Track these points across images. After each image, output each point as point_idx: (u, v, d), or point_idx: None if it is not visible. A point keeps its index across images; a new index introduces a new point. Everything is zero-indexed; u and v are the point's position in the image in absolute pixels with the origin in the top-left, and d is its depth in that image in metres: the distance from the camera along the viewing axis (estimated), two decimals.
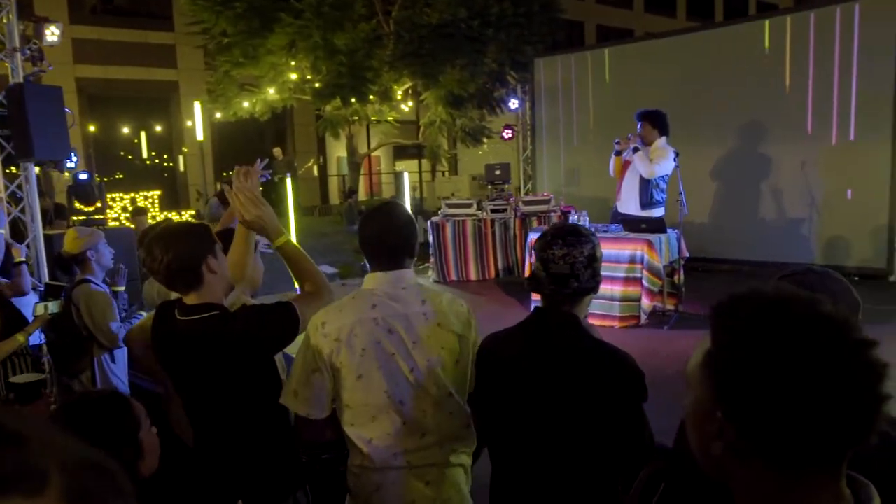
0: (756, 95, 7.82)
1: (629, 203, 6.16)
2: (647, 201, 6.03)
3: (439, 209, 8.82)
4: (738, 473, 0.83)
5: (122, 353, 3.67)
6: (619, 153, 6.22)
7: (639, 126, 6.06)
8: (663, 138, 5.97)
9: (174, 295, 1.98)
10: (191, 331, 1.84)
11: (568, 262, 1.70)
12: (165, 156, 19.16)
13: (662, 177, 5.99)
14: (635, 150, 5.95)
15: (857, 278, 6.63)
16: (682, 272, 6.03)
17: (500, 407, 1.76)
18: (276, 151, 14.33)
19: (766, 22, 7.75)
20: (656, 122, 5.95)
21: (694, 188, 7.97)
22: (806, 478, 0.78)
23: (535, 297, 6.36)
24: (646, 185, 6.01)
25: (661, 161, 5.89)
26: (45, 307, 3.27)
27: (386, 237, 1.81)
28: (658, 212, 6.04)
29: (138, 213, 7.92)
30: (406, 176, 9.56)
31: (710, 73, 8.12)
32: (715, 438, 0.82)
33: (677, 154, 5.95)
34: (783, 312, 0.79)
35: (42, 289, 4.64)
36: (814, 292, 0.85)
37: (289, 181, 7.61)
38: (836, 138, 7.33)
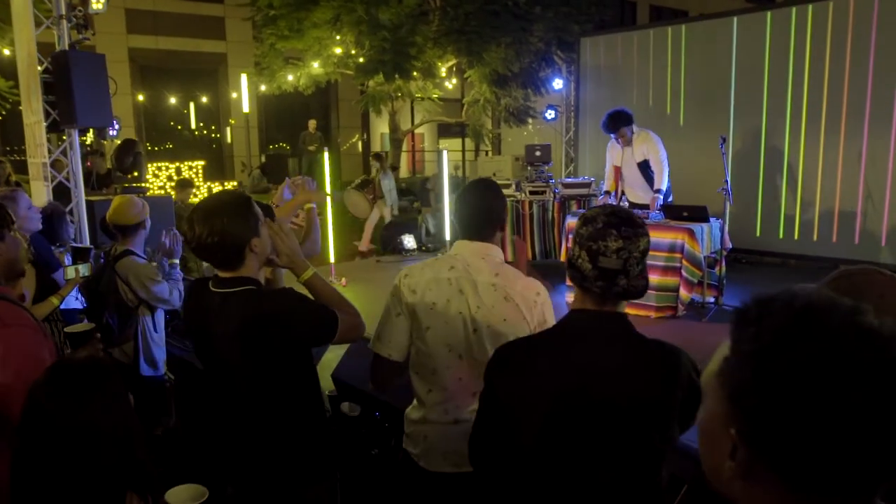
0: (813, 79, 7.45)
1: (637, 191, 6.19)
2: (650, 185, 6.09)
3: None
4: (750, 497, 0.74)
5: (162, 321, 3.73)
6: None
7: (613, 136, 6.09)
8: (634, 126, 5.99)
9: None
10: (224, 303, 1.83)
11: (622, 257, 1.45)
12: (213, 127, 19.47)
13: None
14: (660, 197, 5.93)
15: None
16: (723, 263, 5.83)
17: (540, 427, 1.49)
18: (311, 124, 14.46)
19: (830, 4, 7.35)
20: (620, 123, 5.93)
21: (744, 175, 7.71)
22: None
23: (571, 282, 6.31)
24: (646, 171, 6.04)
25: (658, 157, 5.93)
26: (76, 270, 3.33)
27: (474, 210, 2.00)
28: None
29: (184, 185, 7.86)
30: (445, 154, 9.45)
31: (765, 55, 7.77)
32: (727, 457, 0.73)
33: (724, 140, 5.74)
34: (816, 322, 0.69)
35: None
36: (861, 296, 0.74)
37: (326, 155, 7.59)
38: None
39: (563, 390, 1.46)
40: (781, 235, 7.74)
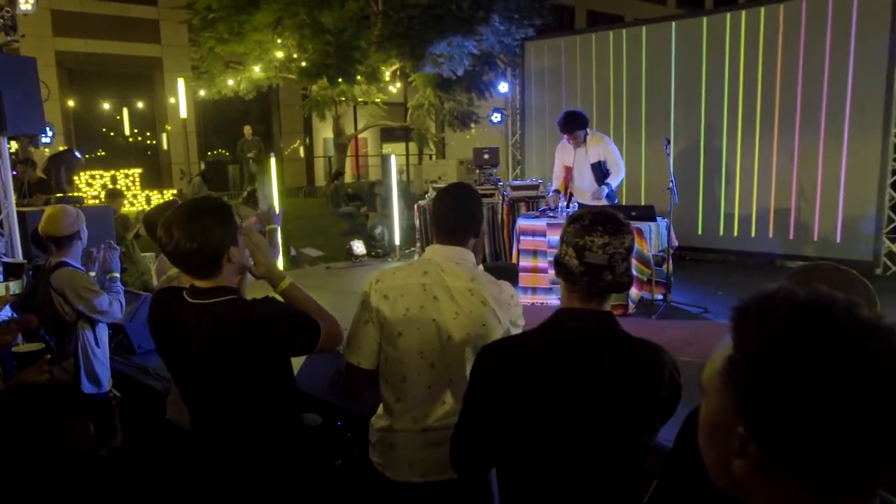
0: (748, 81, 7.75)
1: (586, 192, 6.23)
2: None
3: (426, 192, 8.72)
4: (759, 492, 0.75)
5: (105, 336, 3.56)
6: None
7: (566, 137, 6.13)
8: (589, 130, 6.11)
9: None
10: (205, 314, 1.77)
11: (607, 253, 1.49)
12: (148, 133, 18.84)
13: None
14: (606, 189, 6.06)
15: None
16: (670, 261, 5.98)
17: (530, 426, 1.49)
18: (247, 130, 14.20)
19: (762, 10, 7.67)
20: (576, 125, 6.02)
21: (685, 175, 7.93)
22: (838, 498, 0.71)
23: (525, 283, 6.31)
24: (598, 172, 6.12)
25: (616, 160, 6.08)
26: (7, 287, 3.14)
27: (450, 214, 1.99)
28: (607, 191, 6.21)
29: (114, 195, 7.51)
30: (393, 159, 9.40)
31: (702, 59, 8.04)
32: (736, 455, 0.74)
33: (668, 141, 5.90)
34: (820, 318, 0.70)
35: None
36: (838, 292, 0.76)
37: (273, 161, 7.45)
38: (826, 129, 7.29)
39: (551, 389, 1.45)
40: (722, 233, 8.01)
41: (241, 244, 1.86)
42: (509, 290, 1.96)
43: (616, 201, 6.35)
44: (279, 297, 1.95)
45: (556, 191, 6.45)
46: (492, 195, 7.93)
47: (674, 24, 8.36)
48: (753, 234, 7.82)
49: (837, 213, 7.27)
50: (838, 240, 7.27)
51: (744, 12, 7.79)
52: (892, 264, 7.18)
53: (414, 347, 1.90)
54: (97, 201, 10.61)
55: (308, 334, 1.83)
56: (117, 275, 3.54)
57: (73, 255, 3.43)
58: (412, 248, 8.78)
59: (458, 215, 1.99)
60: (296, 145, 20.55)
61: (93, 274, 3.54)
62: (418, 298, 1.90)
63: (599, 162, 6.08)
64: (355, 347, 1.98)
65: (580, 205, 6.31)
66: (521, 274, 6.24)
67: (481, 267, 2.08)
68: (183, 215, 1.77)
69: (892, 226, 7.16)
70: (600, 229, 1.50)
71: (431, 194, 8.40)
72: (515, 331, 1.92)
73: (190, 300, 1.81)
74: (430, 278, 1.91)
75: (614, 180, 6.10)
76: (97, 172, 12.94)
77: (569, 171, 6.36)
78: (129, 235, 6.26)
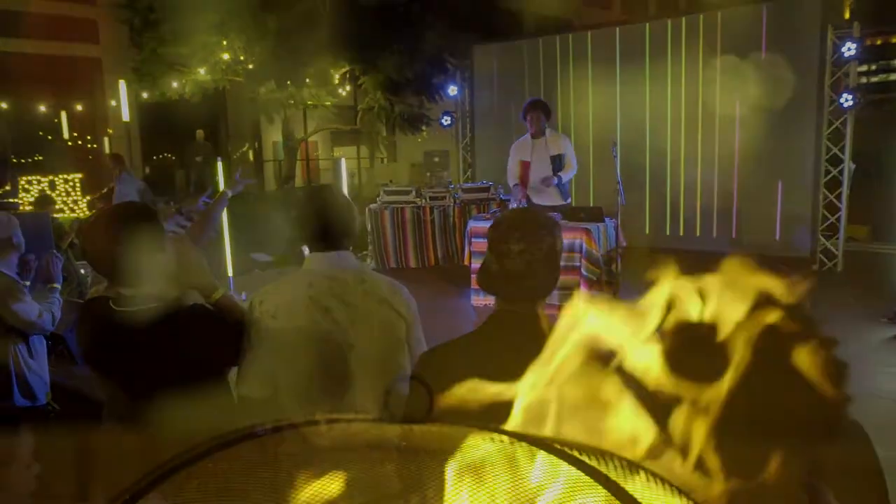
0: (689, 84, 7.98)
1: (544, 195, 6.26)
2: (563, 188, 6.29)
3: (377, 196, 8.68)
4: None
5: (41, 347, 3.42)
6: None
7: (528, 119, 6.20)
8: (547, 127, 6.30)
9: None
10: (132, 322, 1.71)
11: (525, 259, 1.44)
12: (89, 137, 18.17)
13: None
14: (558, 180, 6.15)
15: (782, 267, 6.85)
16: (619, 261, 6.10)
17: None
18: (199, 134, 13.88)
19: (700, 17, 7.91)
20: (542, 109, 6.22)
21: (632, 176, 8.10)
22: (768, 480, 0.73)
23: (477, 285, 6.34)
24: (558, 164, 6.22)
25: (573, 157, 6.25)
26: None
27: (325, 219, 1.86)
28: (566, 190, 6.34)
29: (44, 202, 7.15)
30: (343, 162, 9.32)
31: (645, 62, 8.24)
32: None
33: (615, 144, 6.02)
34: None
35: None
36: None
37: (220, 165, 7.29)
38: (764, 131, 7.55)
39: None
40: (668, 232, 8.22)
41: (170, 250, 1.81)
42: (397, 284, 1.93)
43: (569, 200, 6.41)
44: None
45: (516, 184, 6.40)
46: (443, 198, 7.95)
47: (618, 29, 8.55)
48: (698, 233, 8.05)
49: (776, 211, 7.55)
50: (777, 237, 7.55)
51: (684, 18, 8.02)
52: (827, 260, 7.49)
53: (316, 363, 1.79)
54: (34, 208, 10.20)
55: (237, 343, 1.80)
56: (58, 286, 3.42)
57: (3, 263, 3.30)
58: (364, 252, 8.73)
59: (332, 219, 1.87)
60: (245, 149, 20.16)
61: (28, 283, 3.41)
62: (309, 312, 1.79)
63: (559, 154, 6.17)
64: (241, 378, 1.84)
65: (533, 205, 6.35)
66: (473, 276, 6.27)
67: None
68: (105, 223, 1.71)
69: (826, 223, 7.47)
70: (517, 235, 1.45)
71: (384, 197, 8.37)
72: (417, 327, 1.91)
73: (117, 308, 1.76)
74: (315, 289, 1.81)
75: (567, 175, 6.20)
76: (34, 178, 12.43)
77: (526, 166, 6.33)
78: (64, 244, 6.00)
